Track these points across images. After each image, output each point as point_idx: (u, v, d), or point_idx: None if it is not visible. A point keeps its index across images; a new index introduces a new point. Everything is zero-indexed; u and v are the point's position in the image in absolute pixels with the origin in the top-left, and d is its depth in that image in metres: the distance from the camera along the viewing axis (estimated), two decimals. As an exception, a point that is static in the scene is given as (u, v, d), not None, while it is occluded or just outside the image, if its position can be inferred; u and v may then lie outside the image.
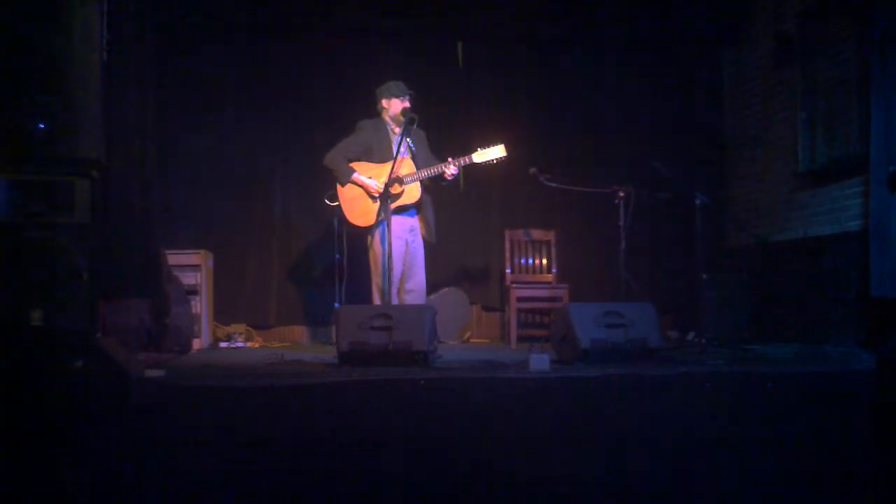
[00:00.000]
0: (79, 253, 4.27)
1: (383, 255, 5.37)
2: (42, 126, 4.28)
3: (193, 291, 6.36)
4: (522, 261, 7.16)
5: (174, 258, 6.21)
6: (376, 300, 5.69)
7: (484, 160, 5.67)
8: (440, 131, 7.26)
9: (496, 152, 5.66)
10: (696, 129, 7.73)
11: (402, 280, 5.73)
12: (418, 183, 5.66)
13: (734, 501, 3.41)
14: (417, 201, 5.70)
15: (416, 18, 7.35)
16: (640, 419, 3.83)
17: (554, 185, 6.35)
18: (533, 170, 6.36)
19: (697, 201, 5.84)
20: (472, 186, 7.41)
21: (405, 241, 5.74)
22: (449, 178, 5.67)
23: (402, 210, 5.68)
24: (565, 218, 7.36)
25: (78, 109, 4.35)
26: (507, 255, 7.14)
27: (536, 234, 7.17)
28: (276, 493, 3.30)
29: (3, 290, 4.14)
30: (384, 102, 5.81)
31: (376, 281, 5.72)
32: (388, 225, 5.39)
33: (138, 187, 5.72)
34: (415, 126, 5.62)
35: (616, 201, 6.02)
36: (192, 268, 6.42)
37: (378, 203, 5.58)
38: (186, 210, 6.93)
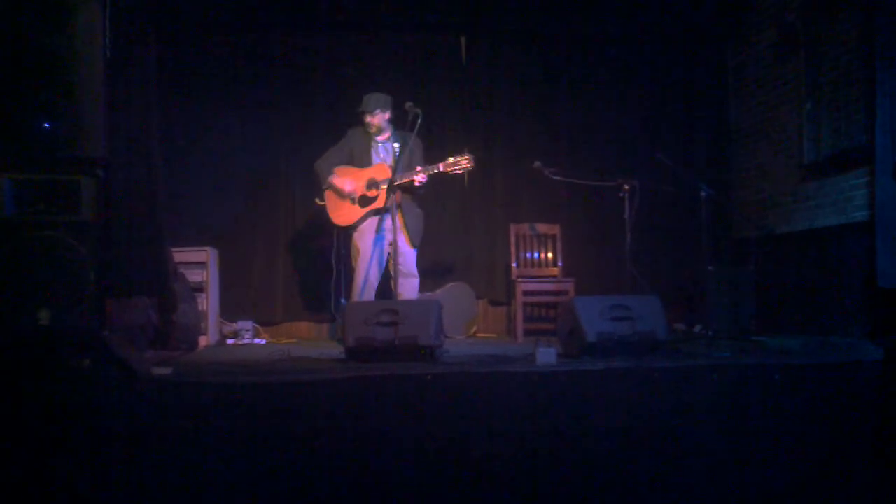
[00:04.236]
0: (85, 251, 4.29)
1: (363, 255, 5.94)
2: (47, 125, 4.29)
3: (200, 288, 6.38)
4: (528, 255, 7.15)
5: (180, 255, 6.22)
6: (356, 297, 5.94)
7: (451, 169, 5.84)
8: (444, 127, 7.29)
9: (463, 163, 5.82)
10: (701, 122, 7.71)
11: (396, 275, 5.80)
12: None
13: (742, 494, 3.41)
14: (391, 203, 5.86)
15: (420, 15, 7.36)
16: (647, 412, 3.83)
17: (558, 178, 6.34)
18: (537, 164, 6.36)
19: (703, 193, 5.83)
20: (476, 181, 7.41)
21: (386, 239, 5.95)
22: (418, 185, 5.83)
23: (380, 212, 5.92)
24: (570, 212, 7.36)
25: (82, 108, 4.35)
26: (513, 249, 7.13)
27: (542, 227, 7.17)
28: (283, 489, 3.31)
29: (9, 289, 4.15)
30: None
31: (358, 280, 6.00)
32: (394, 220, 5.57)
33: (143, 185, 5.72)
34: (418, 126, 5.61)
35: (621, 194, 6.02)
36: (198, 265, 6.44)
37: (356, 205, 5.96)
38: (192, 207, 6.95)
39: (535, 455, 3.52)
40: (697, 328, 6.68)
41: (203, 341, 6.25)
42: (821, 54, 6.36)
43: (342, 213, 6.03)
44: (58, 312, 4.16)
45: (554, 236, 7.15)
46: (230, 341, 6.75)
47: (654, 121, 7.55)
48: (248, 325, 6.85)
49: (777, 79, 6.98)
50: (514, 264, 7.10)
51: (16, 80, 4.29)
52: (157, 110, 5.97)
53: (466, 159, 5.80)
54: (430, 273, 7.14)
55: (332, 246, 6.43)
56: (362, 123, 6.10)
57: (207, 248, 6.55)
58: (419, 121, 5.57)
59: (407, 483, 3.35)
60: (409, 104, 5.58)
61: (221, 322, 6.94)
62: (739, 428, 3.73)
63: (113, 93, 4.62)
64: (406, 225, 5.93)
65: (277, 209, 7.36)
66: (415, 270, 6.04)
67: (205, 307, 6.41)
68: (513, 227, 7.17)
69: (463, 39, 7.58)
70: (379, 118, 6.02)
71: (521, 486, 3.38)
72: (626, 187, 6.00)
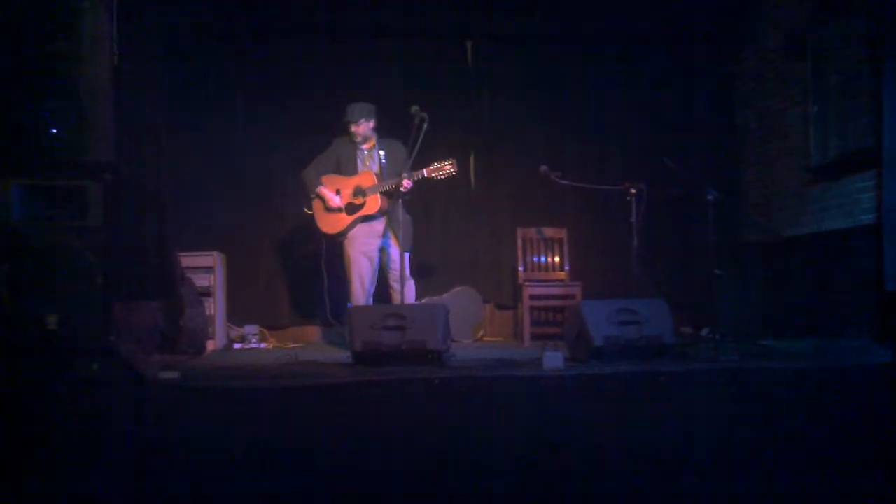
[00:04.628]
0: (92, 256, 4.29)
1: (355, 261, 5.99)
2: (54, 130, 4.29)
3: (207, 293, 6.40)
4: (535, 259, 7.14)
5: (187, 260, 6.25)
6: (355, 303, 5.97)
7: (435, 175, 5.84)
8: (450, 129, 7.27)
9: (447, 168, 5.84)
10: (707, 125, 7.69)
11: (402, 280, 5.81)
12: (379, 194, 5.93)
13: (750, 498, 3.40)
14: (378, 210, 5.96)
15: (426, 16, 7.36)
16: (655, 416, 3.82)
17: (565, 182, 6.33)
18: (544, 168, 6.34)
19: (709, 197, 5.82)
20: (482, 185, 7.41)
21: (376, 245, 6.05)
22: (404, 191, 5.81)
23: (368, 219, 5.99)
24: (577, 215, 7.34)
25: (89, 113, 4.35)
26: (520, 253, 7.12)
27: (548, 231, 7.16)
28: (292, 493, 3.31)
29: (18, 294, 4.16)
30: None
31: (354, 286, 6.05)
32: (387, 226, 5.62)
33: (150, 190, 5.74)
34: (423, 130, 5.61)
35: (628, 198, 6.00)
36: (205, 269, 6.46)
37: (343, 212, 6.01)
38: (199, 212, 6.96)
39: (543, 459, 3.52)
40: (705, 331, 6.66)
41: (210, 345, 6.27)
42: (828, 56, 6.35)
43: (330, 222, 6.06)
44: (65, 317, 4.16)
45: (561, 240, 7.14)
46: (237, 346, 6.76)
47: (660, 124, 7.53)
48: (255, 329, 6.86)
49: (784, 81, 6.96)
50: (520, 268, 7.09)
51: (23, 85, 4.30)
52: (163, 115, 5.99)
53: (451, 164, 5.83)
54: (437, 277, 7.14)
55: (322, 253, 6.43)
56: (347, 133, 6.12)
57: (214, 253, 6.57)
58: (425, 125, 5.56)
59: (415, 486, 3.35)
60: (415, 108, 5.56)
61: (228, 326, 6.95)
62: (747, 432, 3.72)
63: (120, 98, 4.63)
64: (395, 230, 5.94)
65: (284, 213, 7.35)
66: (408, 273, 5.99)
67: (212, 311, 6.42)
68: (519, 231, 7.16)
69: (469, 44, 7.58)
70: (364, 127, 6.06)
71: (529, 490, 3.38)
72: (633, 191, 5.98)
